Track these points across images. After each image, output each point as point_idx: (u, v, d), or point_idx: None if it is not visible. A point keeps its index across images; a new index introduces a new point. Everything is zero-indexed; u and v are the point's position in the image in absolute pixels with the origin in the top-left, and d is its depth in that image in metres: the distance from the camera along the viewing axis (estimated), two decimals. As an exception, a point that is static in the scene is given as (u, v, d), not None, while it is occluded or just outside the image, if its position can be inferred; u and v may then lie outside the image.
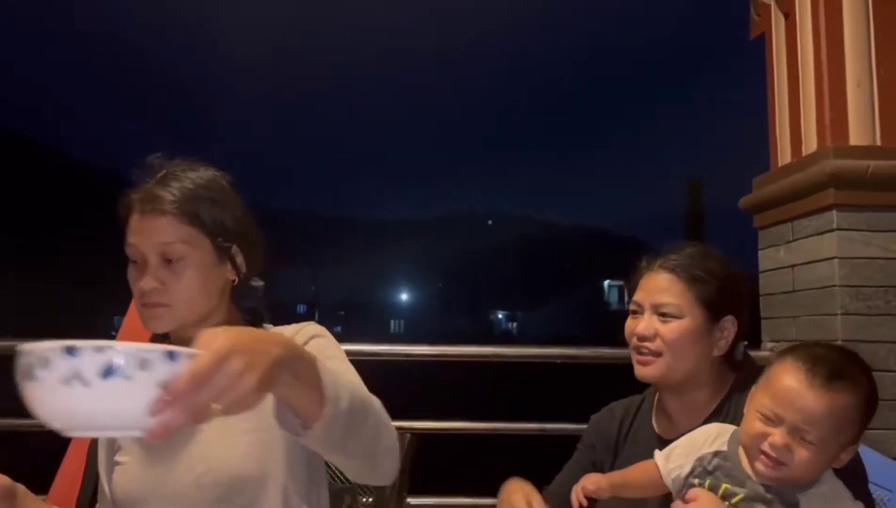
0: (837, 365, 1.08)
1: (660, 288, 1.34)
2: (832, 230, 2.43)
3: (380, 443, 1.06)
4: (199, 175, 1.30)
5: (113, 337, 2.45)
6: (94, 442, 2.01)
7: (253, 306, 1.39)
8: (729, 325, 1.34)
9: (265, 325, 1.38)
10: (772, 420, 1.08)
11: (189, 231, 1.25)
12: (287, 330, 1.34)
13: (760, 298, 2.83)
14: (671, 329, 1.32)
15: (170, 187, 1.26)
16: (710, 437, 1.19)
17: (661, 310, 1.33)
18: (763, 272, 2.83)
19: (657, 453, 1.24)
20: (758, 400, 1.11)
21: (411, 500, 1.87)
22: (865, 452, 1.33)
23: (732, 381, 1.37)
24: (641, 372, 1.35)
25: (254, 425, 1.23)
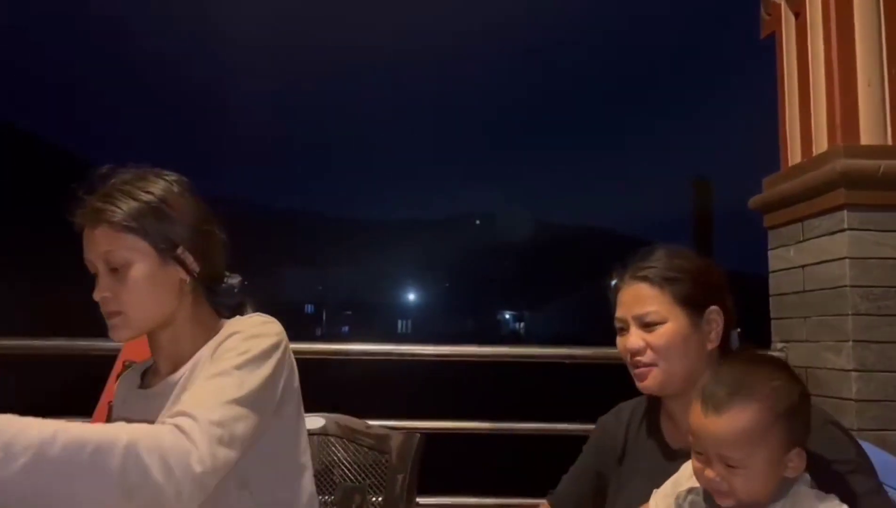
0: (726, 387, 1.09)
1: (636, 298, 1.35)
2: (843, 230, 2.41)
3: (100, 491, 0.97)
4: (144, 186, 1.30)
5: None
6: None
7: (236, 303, 1.39)
8: (714, 316, 1.34)
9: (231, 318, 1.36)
10: (700, 454, 1.10)
11: (128, 238, 1.27)
12: (232, 323, 1.31)
13: (770, 298, 2.82)
14: (658, 335, 1.32)
15: (111, 198, 1.28)
16: (689, 472, 1.19)
17: (644, 321, 1.33)
18: (773, 272, 2.82)
19: (652, 495, 1.24)
20: (689, 438, 1.14)
21: (421, 500, 1.87)
22: (877, 453, 1.31)
23: None
24: (642, 385, 1.35)
25: None
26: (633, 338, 1.34)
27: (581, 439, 1.58)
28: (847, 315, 2.38)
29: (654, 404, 1.44)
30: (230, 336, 1.26)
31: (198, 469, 1.03)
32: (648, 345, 1.33)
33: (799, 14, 2.77)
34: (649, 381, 1.33)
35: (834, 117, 2.53)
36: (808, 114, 2.70)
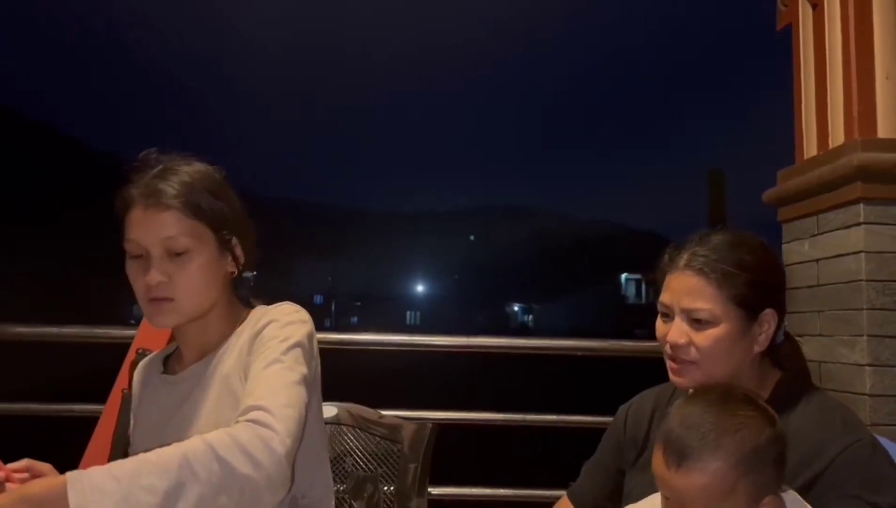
0: (690, 438, 1.03)
1: (688, 290, 1.23)
2: (859, 224, 2.39)
3: (217, 501, 1.00)
4: (194, 168, 1.31)
5: (133, 326, 2.48)
6: (118, 427, 2.04)
7: (246, 296, 1.40)
8: (769, 319, 1.24)
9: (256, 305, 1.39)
10: (668, 498, 1.07)
11: (193, 224, 1.26)
12: (257, 312, 1.34)
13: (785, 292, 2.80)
14: (706, 337, 1.21)
15: (169, 181, 1.27)
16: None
17: (693, 316, 1.22)
18: (787, 266, 2.80)
19: None
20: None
21: (432, 490, 1.88)
22: (893, 448, 1.30)
23: (778, 378, 1.29)
24: (677, 380, 1.26)
25: None
26: (677, 331, 1.24)
27: (595, 431, 1.56)
28: (862, 309, 2.36)
29: (682, 395, 1.37)
30: (267, 324, 1.27)
31: (281, 450, 1.05)
32: (693, 343, 1.23)
33: (816, 6, 2.74)
34: (685, 379, 1.25)
35: (851, 110, 2.51)
36: (824, 106, 2.67)
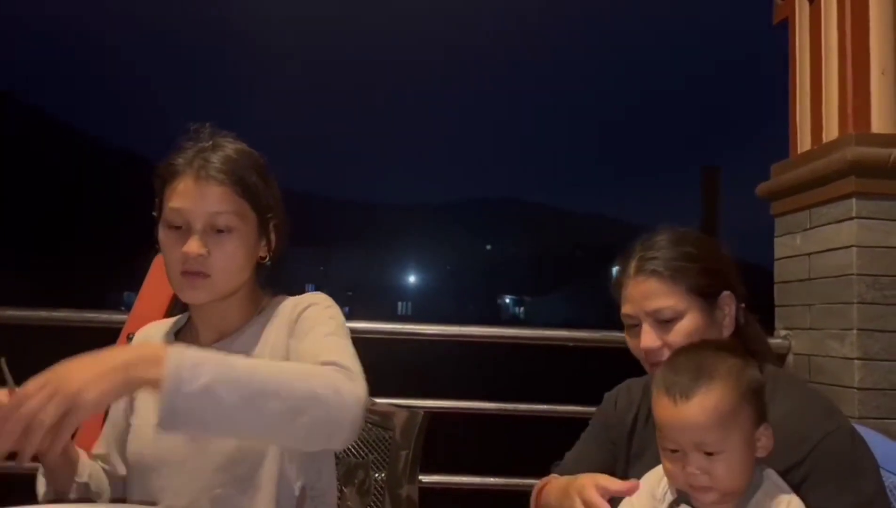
0: (687, 373, 1.07)
1: (647, 294, 1.27)
2: (851, 218, 2.40)
3: (296, 419, 1.04)
4: (241, 147, 1.31)
5: (123, 312, 2.46)
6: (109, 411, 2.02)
7: (263, 283, 1.39)
8: (728, 302, 1.29)
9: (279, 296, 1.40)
10: (676, 451, 1.07)
11: (240, 203, 1.25)
12: (286, 301, 1.36)
13: (775, 286, 2.81)
14: (676, 333, 1.25)
15: (220, 156, 1.26)
16: (659, 476, 1.16)
17: (659, 318, 1.26)
18: (778, 260, 2.81)
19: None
20: (658, 439, 1.11)
21: (424, 477, 1.88)
22: (877, 438, 1.31)
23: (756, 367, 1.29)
24: None
25: None
26: (649, 337, 1.27)
27: (584, 421, 1.56)
28: (852, 303, 2.38)
29: None
30: (307, 307, 1.30)
31: (361, 394, 1.12)
32: (665, 343, 1.26)
33: (813, 0, 2.74)
34: None
35: (846, 105, 2.51)
36: (819, 101, 2.68)
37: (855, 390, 2.35)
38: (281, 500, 1.26)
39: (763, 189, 2.94)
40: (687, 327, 1.25)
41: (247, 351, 1.30)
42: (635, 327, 1.30)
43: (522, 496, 2.77)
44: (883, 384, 2.34)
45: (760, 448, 1.08)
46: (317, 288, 1.49)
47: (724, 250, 1.36)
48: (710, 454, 1.05)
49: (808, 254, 2.62)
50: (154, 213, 1.30)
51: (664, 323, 1.26)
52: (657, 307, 1.25)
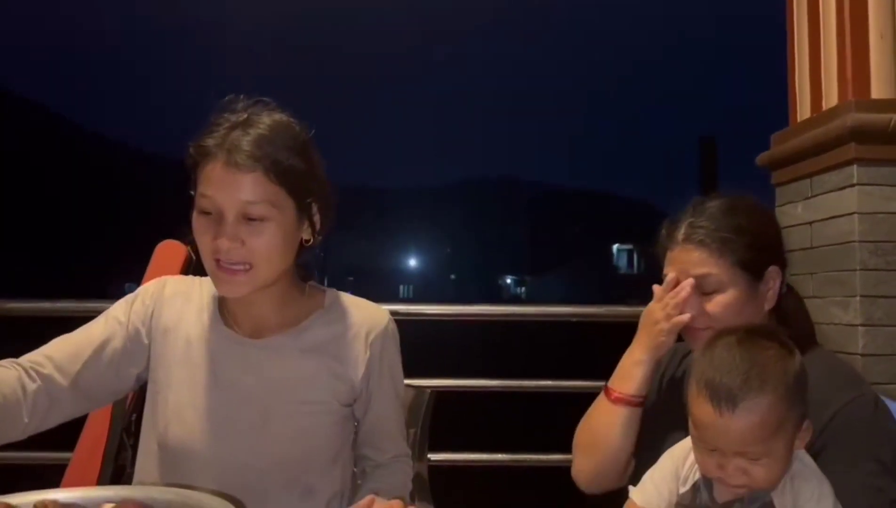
0: (735, 378, 1.01)
1: (692, 263, 1.25)
2: (852, 185, 2.39)
3: None
4: (276, 120, 1.21)
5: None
6: (115, 405, 2.03)
7: (303, 261, 1.33)
8: (774, 276, 1.28)
9: (312, 284, 1.36)
10: (714, 451, 1.03)
11: (275, 190, 1.17)
12: (361, 306, 1.36)
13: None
14: (716, 304, 1.24)
15: (251, 136, 1.17)
16: (686, 452, 1.13)
17: (701, 286, 1.24)
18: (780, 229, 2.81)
19: (631, 489, 1.17)
20: (691, 429, 1.07)
21: (432, 456, 1.89)
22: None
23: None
24: (699, 348, 1.24)
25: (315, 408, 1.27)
26: (688, 303, 1.25)
27: (589, 395, 1.56)
28: (855, 270, 2.38)
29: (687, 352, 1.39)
30: (392, 347, 1.36)
31: None
32: (705, 312, 1.25)
33: (810, -35, 2.72)
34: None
35: (845, 71, 2.49)
36: (818, 68, 2.66)
37: (859, 356, 2.36)
38: (331, 504, 1.28)
39: (763, 158, 2.93)
40: (727, 300, 1.24)
41: (318, 348, 1.28)
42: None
43: (531, 471, 2.79)
44: (887, 349, 2.35)
45: (799, 442, 1.05)
46: (318, 275, 1.43)
47: (775, 223, 1.35)
48: (750, 459, 1.01)
49: (810, 223, 2.62)
50: (191, 192, 1.21)
51: (705, 292, 1.25)
52: (702, 274, 1.24)
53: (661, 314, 1.28)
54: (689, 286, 1.25)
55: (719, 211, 1.28)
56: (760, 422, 1.00)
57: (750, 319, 1.25)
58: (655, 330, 1.29)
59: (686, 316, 1.26)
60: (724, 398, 1.01)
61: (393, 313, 2.76)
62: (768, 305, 1.28)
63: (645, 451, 1.32)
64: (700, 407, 1.03)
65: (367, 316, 1.33)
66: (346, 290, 1.40)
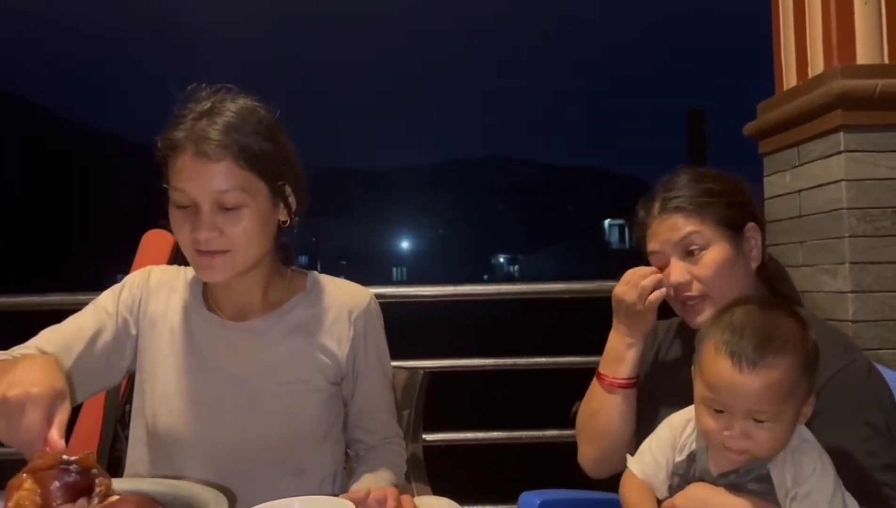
0: (756, 339, 1.02)
1: (674, 228, 1.27)
2: (839, 152, 2.39)
3: None
4: (241, 106, 1.21)
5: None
6: (109, 396, 2.03)
7: (284, 242, 1.34)
8: (753, 233, 1.30)
9: (294, 267, 1.38)
10: (720, 411, 1.04)
11: (247, 176, 1.18)
12: (343, 287, 1.37)
13: (766, 225, 2.81)
14: (705, 265, 1.24)
15: (218, 124, 1.17)
16: (685, 422, 1.13)
17: (687, 247, 1.25)
18: (769, 199, 2.81)
19: (629, 459, 1.18)
20: (700, 392, 1.07)
21: (427, 436, 1.90)
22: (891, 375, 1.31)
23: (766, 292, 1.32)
24: (697, 321, 1.27)
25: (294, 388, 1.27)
26: (677, 271, 1.26)
27: (583, 371, 1.56)
28: (844, 237, 2.38)
29: (677, 330, 1.39)
30: (375, 327, 1.36)
31: None
32: (694, 276, 1.25)
33: (793, -69, 2.69)
34: (702, 316, 1.25)
35: (830, 37, 2.48)
36: (803, 35, 2.65)
37: (849, 323, 2.37)
38: (323, 485, 1.28)
39: (750, 128, 2.93)
40: (715, 257, 1.25)
41: (301, 328, 1.29)
42: (663, 265, 1.30)
43: (526, 448, 2.81)
44: (876, 315, 2.36)
45: (802, 416, 1.06)
46: (310, 259, 1.45)
47: (745, 184, 1.37)
48: (760, 421, 1.02)
49: (798, 191, 2.62)
50: (164, 186, 1.22)
51: (692, 254, 1.26)
52: (685, 234, 1.26)
53: (634, 295, 1.28)
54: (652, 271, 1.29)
55: (689, 180, 1.31)
56: (778, 381, 1.01)
57: (742, 281, 1.27)
58: (634, 312, 1.30)
59: (662, 291, 1.27)
60: (745, 355, 1.02)
61: (387, 296, 2.79)
62: (754, 264, 1.30)
63: (643, 423, 1.33)
64: (717, 365, 1.03)
65: (350, 296, 1.35)
66: (339, 275, 1.41)
